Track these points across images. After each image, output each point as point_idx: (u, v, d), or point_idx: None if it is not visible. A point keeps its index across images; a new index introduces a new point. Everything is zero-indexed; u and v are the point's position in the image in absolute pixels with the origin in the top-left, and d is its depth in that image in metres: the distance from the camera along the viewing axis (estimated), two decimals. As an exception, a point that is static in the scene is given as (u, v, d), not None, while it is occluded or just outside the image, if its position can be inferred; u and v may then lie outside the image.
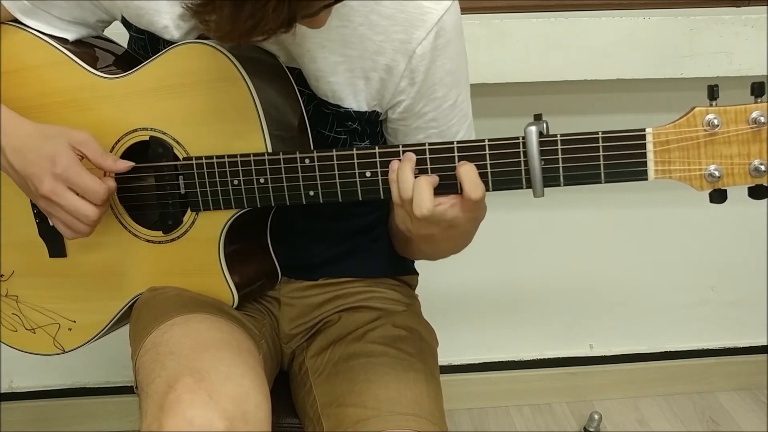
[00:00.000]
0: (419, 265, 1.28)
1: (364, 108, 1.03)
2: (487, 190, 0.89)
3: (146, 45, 1.06)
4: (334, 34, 0.98)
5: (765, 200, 0.84)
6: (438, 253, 1.09)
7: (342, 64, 1.00)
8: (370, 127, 1.06)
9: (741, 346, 2.07)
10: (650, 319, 2.03)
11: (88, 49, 1.11)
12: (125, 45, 1.15)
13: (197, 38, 1.02)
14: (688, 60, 1.63)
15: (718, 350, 2.07)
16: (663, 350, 2.06)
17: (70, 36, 1.10)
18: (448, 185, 0.89)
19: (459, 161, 0.88)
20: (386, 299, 1.18)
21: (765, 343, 2.06)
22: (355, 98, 1.02)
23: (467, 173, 0.87)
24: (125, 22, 1.07)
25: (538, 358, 2.04)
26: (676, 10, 1.65)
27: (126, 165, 1.02)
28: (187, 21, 1.01)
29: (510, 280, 1.95)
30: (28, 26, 1.08)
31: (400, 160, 0.90)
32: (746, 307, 2.02)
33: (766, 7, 1.62)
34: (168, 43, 1.03)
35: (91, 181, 0.99)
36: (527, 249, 1.93)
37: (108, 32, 1.16)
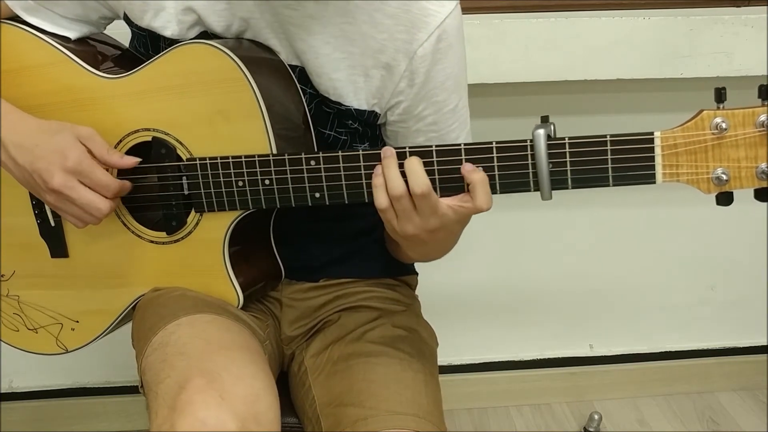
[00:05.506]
0: (419, 265, 1.27)
1: (363, 106, 1.03)
2: (495, 192, 0.89)
3: (147, 42, 1.05)
4: (338, 31, 0.98)
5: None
6: (422, 255, 1.09)
7: (344, 61, 1.00)
8: (370, 129, 1.07)
9: (741, 346, 2.07)
10: (650, 319, 2.02)
11: (89, 48, 1.11)
12: (127, 44, 1.14)
13: (199, 37, 1.02)
14: (688, 60, 1.62)
15: (718, 350, 2.07)
16: (663, 350, 2.05)
17: (72, 34, 1.09)
18: (454, 187, 0.89)
19: (468, 167, 0.88)
20: (386, 299, 1.18)
21: (765, 343, 2.06)
22: (355, 96, 1.02)
23: (483, 184, 0.87)
24: (127, 19, 1.07)
25: (538, 358, 2.04)
26: (676, 10, 1.64)
27: (132, 161, 1.01)
28: (189, 16, 1.01)
29: (510, 280, 1.95)
30: (30, 24, 1.07)
31: (402, 163, 0.90)
32: (746, 307, 2.02)
33: (766, 7, 1.61)
34: (168, 41, 1.03)
35: (103, 176, 0.99)
36: (527, 249, 1.93)
37: (110, 31, 1.16)
